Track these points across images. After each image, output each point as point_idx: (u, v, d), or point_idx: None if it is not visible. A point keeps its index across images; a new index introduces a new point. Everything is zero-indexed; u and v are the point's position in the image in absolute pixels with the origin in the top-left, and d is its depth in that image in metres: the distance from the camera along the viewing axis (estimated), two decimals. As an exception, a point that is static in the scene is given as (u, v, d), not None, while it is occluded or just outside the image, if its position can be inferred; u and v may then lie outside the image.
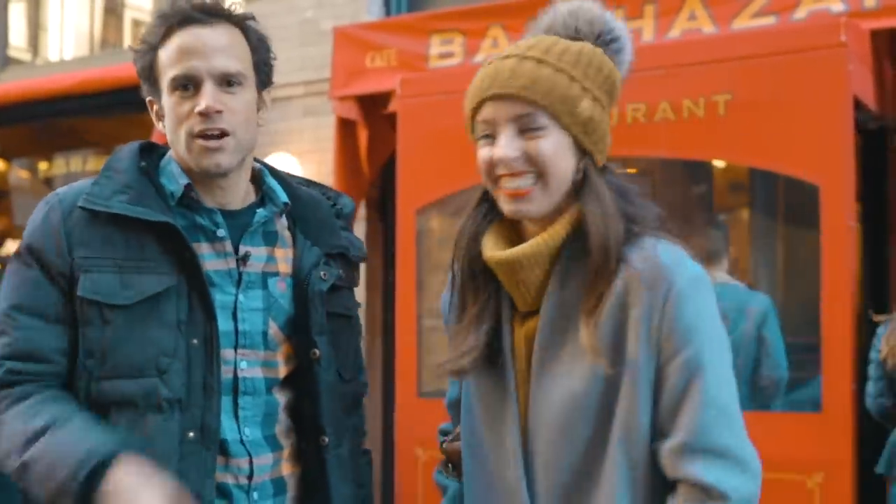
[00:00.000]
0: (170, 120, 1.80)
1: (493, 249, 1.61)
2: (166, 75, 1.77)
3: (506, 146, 1.55)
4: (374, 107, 5.58)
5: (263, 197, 1.89)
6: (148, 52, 1.81)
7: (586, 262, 1.55)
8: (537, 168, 1.55)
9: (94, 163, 8.28)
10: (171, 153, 1.86)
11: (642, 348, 1.51)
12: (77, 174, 8.29)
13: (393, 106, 5.18)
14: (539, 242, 1.57)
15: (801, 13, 4.49)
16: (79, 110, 7.16)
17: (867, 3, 4.41)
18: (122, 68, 6.85)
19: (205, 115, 1.74)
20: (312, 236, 1.88)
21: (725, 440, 1.50)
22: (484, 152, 1.59)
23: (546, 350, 1.58)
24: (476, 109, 1.59)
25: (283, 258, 1.87)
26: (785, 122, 3.95)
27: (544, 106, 1.53)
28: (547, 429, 1.57)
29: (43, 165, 8.61)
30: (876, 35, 4.36)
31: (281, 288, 1.84)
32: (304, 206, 1.91)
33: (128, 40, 8.54)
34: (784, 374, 4.27)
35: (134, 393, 1.69)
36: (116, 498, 1.53)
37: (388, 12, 6.21)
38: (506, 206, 1.59)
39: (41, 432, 1.62)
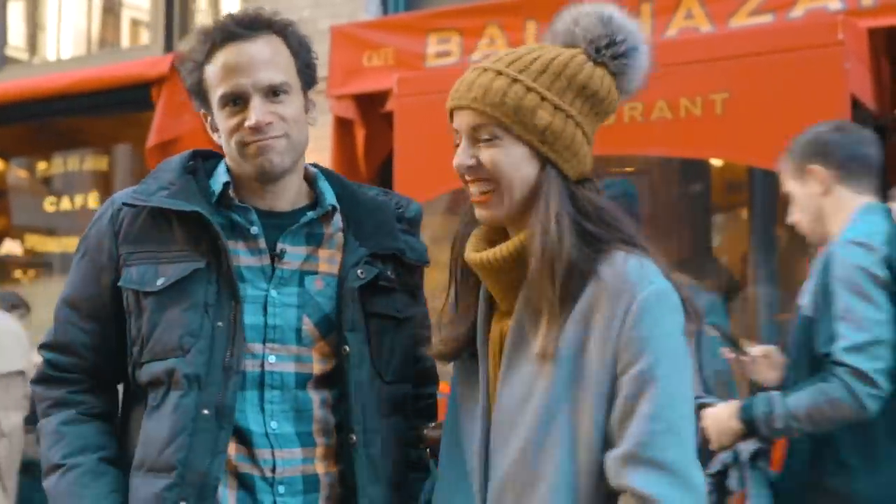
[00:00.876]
0: (223, 133, 1.87)
1: (471, 251, 1.69)
2: (215, 92, 1.85)
3: (461, 154, 1.64)
4: (372, 106, 5.57)
5: (316, 199, 1.94)
6: (195, 70, 1.88)
7: None
8: (490, 176, 1.63)
9: (92, 162, 8.28)
10: (225, 159, 1.94)
11: (601, 359, 1.55)
12: (75, 174, 8.29)
13: (390, 105, 5.18)
14: (502, 249, 1.64)
15: (798, 11, 4.49)
16: (77, 110, 7.16)
17: (864, 2, 4.40)
18: (120, 67, 6.87)
19: (256, 129, 1.80)
20: (362, 238, 1.92)
21: (671, 455, 1.50)
22: (454, 158, 1.68)
23: (514, 350, 1.64)
24: (450, 118, 1.69)
25: (328, 259, 1.90)
26: (782, 120, 3.93)
27: (495, 117, 1.60)
28: (503, 426, 1.63)
29: (41, 165, 8.60)
30: (873, 33, 4.35)
31: (318, 286, 1.88)
32: (360, 209, 1.96)
33: (126, 40, 8.54)
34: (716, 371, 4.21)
35: (161, 372, 1.79)
36: None
37: (385, 11, 6.20)
38: (475, 211, 1.69)
39: (56, 468, 1.85)
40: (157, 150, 6.08)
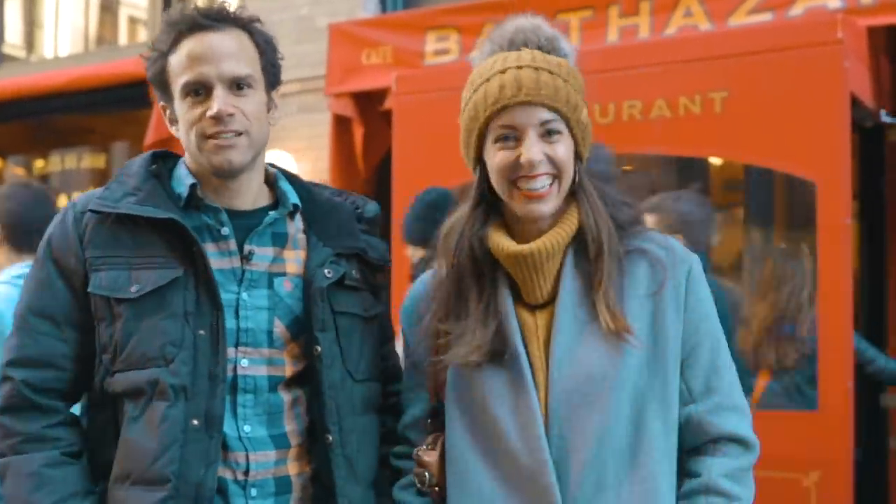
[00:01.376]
0: (183, 124, 1.83)
1: (510, 245, 1.74)
2: (178, 81, 1.82)
3: (532, 149, 1.68)
4: (370, 104, 5.56)
5: (278, 200, 1.92)
6: (158, 59, 1.85)
7: (589, 255, 1.73)
8: (556, 170, 1.70)
9: (90, 160, 8.27)
10: (183, 158, 1.91)
11: (675, 321, 1.71)
12: (72, 171, 8.28)
13: (388, 103, 5.16)
14: (558, 233, 1.73)
15: (797, 10, 4.48)
16: (74, 107, 7.15)
17: (864, 0, 4.39)
18: (118, 65, 6.84)
19: (217, 118, 1.77)
20: (325, 238, 1.90)
21: (742, 399, 1.76)
22: (504, 155, 1.70)
23: (567, 335, 1.70)
24: (496, 114, 1.69)
25: (294, 259, 1.89)
26: (781, 119, 3.93)
27: (563, 113, 1.70)
28: (576, 408, 1.67)
29: (38, 163, 8.59)
30: (873, 32, 4.34)
31: (287, 287, 1.86)
32: (320, 210, 1.95)
33: (123, 37, 8.53)
34: None
35: (142, 382, 1.74)
36: None
37: (383, 9, 6.19)
38: (522, 207, 1.71)
39: None
40: (154, 147, 6.06)
